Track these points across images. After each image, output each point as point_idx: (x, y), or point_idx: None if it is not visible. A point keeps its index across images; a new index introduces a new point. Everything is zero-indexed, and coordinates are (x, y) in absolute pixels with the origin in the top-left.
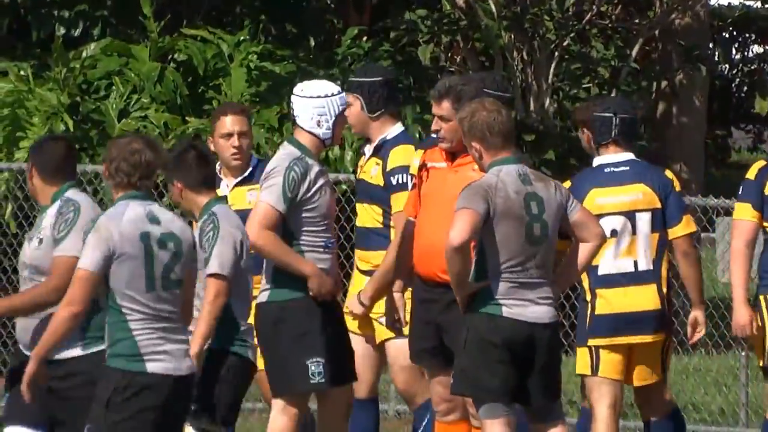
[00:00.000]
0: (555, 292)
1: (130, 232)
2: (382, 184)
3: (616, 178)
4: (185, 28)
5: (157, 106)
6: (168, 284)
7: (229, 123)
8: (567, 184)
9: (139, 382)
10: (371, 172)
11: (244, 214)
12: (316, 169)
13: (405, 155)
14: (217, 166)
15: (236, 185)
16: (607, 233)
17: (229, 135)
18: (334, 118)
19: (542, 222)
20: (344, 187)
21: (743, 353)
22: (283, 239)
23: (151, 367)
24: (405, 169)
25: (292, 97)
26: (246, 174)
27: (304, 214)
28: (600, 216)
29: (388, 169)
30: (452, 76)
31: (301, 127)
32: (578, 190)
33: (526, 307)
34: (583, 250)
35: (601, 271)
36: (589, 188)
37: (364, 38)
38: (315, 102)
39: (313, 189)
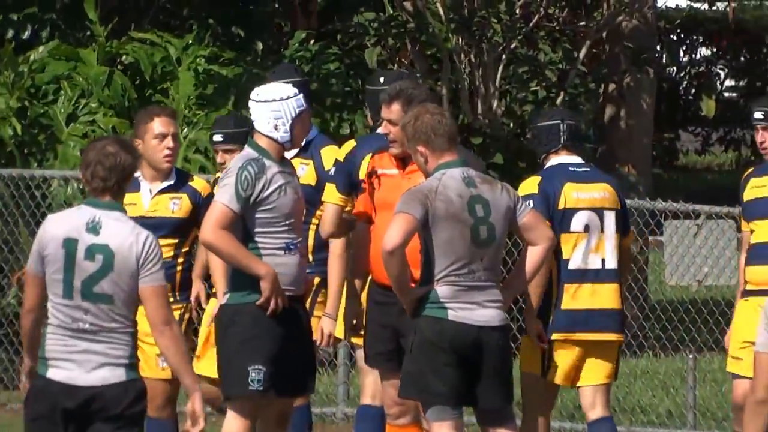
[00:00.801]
0: (506, 297)
1: (57, 235)
2: (313, 183)
3: (584, 175)
4: (133, 31)
5: (105, 110)
6: (90, 296)
7: (162, 124)
8: (536, 179)
9: (38, 386)
10: (299, 172)
11: (167, 221)
12: (274, 169)
13: (336, 153)
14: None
15: (160, 192)
16: (581, 228)
17: (163, 136)
18: (291, 121)
19: (489, 224)
20: None
21: (691, 356)
22: (242, 240)
23: (51, 373)
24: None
25: (249, 102)
26: (172, 182)
27: (261, 215)
28: (576, 210)
29: (326, 168)
30: (402, 80)
31: (260, 132)
32: (553, 185)
33: (473, 311)
34: (533, 253)
35: (571, 266)
36: (564, 181)
37: (312, 41)
38: (270, 106)
39: (270, 189)
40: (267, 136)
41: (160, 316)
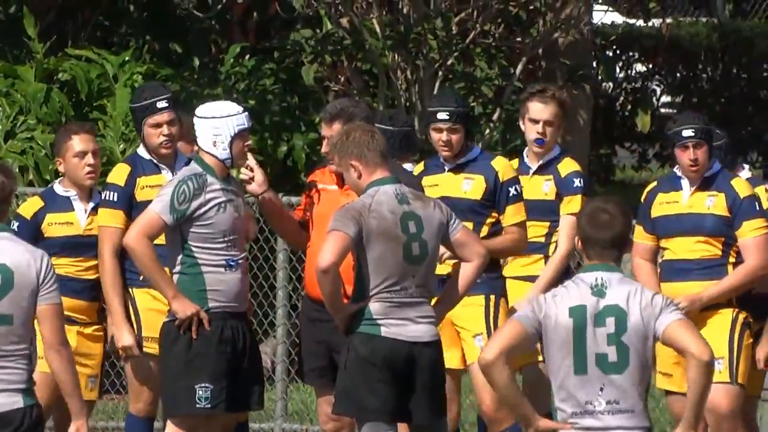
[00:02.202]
0: (439, 313)
1: None
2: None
3: None
4: (70, 48)
5: (44, 127)
6: None
7: (81, 141)
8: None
9: None
10: (464, 186)
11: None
12: (215, 186)
13: (506, 164)
14: (61, 189)
15: (93, 210)
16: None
17: (83, 153)
18: (229, 139)
19: (421, 241)
20: None
21: None
22: (183, 254)
23: None
24: None
25: (194, 119)
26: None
27: (198, 230)
28: None
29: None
30: (342, 98)
31: (201, 148)
32: None
33: (406, 326)
34: (465, 269)
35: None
36: None
37: (247, 57)
38: (210, 123)
39: (209, 206)
40: (208, 153)
41: (57, 336)
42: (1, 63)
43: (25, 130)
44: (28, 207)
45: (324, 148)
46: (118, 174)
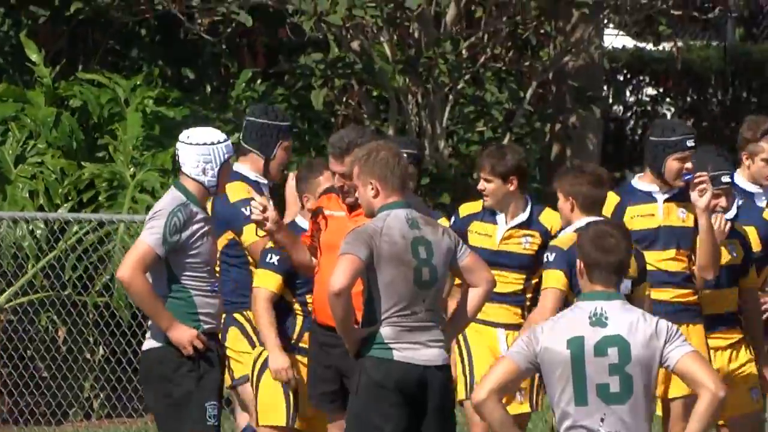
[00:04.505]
0: (447, 338)
1: None
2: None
3: None
4: (81, 72)
5: (54, 152)
6: None
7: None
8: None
9: None
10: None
11: None
12: (199, 216)
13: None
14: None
15: None
16: None
17: None
18: (219, 166)
19: (431, 266)
20: None
21: None
22: (170, 281)
23: None
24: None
25: (178, 144)
26: None
27: (188, 259)
28: None
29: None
30: (346, 129)
31: (187, 174)
32: None
33: (417, 350)
34: (473, 295)
35: None
36: None
37: (258, 81)
38: (200, 149)
39: (196, 236)
40: (194, 180)
41: None
42: (11, 87)
43: (35, 154)
44: None
45: (337, 183)
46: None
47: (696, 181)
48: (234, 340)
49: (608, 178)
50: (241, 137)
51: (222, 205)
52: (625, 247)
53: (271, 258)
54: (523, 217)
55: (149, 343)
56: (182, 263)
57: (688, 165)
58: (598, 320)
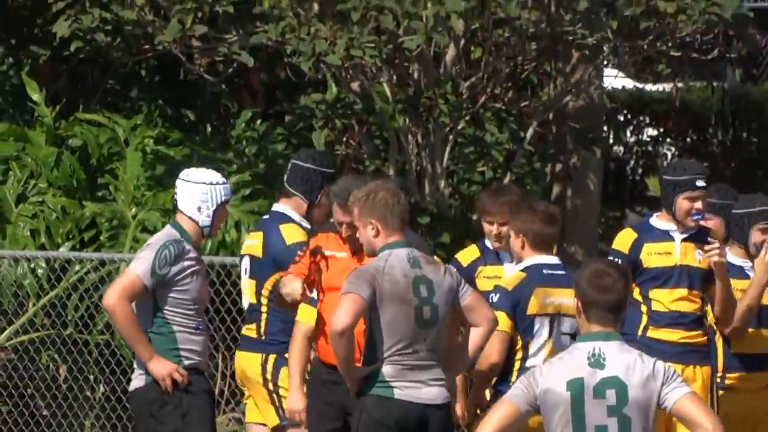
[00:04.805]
0: (448, 378)
1: None
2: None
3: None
4: (81, 113)
5: (54, 191)
6: None
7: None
8: None
9: None
10: None
11: None
12: (191, 254)
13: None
14: None
15: None
16: None
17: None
18: (215, 207)
19: (432, 305)
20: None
21: None
22: (153, 315)
23: None
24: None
25: (177, 181)
26: None
27: (173, 295)
28: None
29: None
30: (347, 179)
31: (182, 212)
32: None
33: (419, 389)
34: (475, 334)
35: None
36: None
37: (258, 121)
38: (199, 188)
39: (185, 273)
40: (189, 218)
41: None
42: (12, 127)
43: (36, 194)
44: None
45: (345, 233)
46: None
47: (707, 250)
48: (286, 380)
49: (560, 217)
50: (285, 178)
51: (278, 247)
52: (623, 285)
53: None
54: None
55: (135, 383)
56: (168, 298)
57: (698, 205)
58: (596, 361)
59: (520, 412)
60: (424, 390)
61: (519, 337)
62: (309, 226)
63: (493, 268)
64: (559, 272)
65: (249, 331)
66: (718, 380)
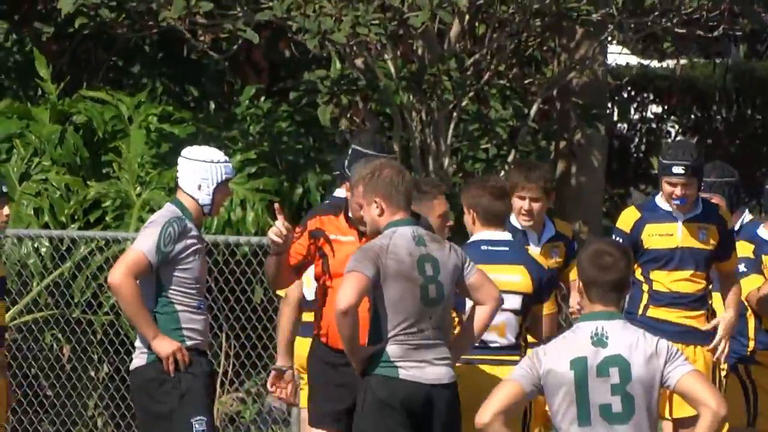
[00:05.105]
0: (454, 356)
1: None
2: None
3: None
4: (84, 90)
5: (58, 169)
6: None
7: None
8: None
9: None
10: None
11: None
12: (193, 233)
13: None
14: None
15: None
16: None
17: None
18: (215, 185)
19: (438, 283)
20: (246, 249)
21: None
22: (157, 294)
23: None
24: None
25: (179, 158)
26: None
27: (177, 273)
28: None
29: None
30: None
31: (183, 189)
32: None
33: (424, 369)
34: (480, 312)
35: None
36: None
37: (262, 98)
38: (199, 165)
39: (188, 251)
40: (190, 196)
41: None
42: (16, 104)
43: (39, 171)
44: None
45: (364, 213)
46: None
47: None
48: None
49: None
50: (345, 164)
51: None
52: (624, 264)
53: None
54: (551, 231)
55: (136, 361)
56: (171, 277)
57: (677, 191)
58: (599, 340)
59: (525, 392)
60: (429, 369)
61: (455, 313)
62: None
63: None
64: (501, 248)
65: (308, 316)
66: (748, 355)
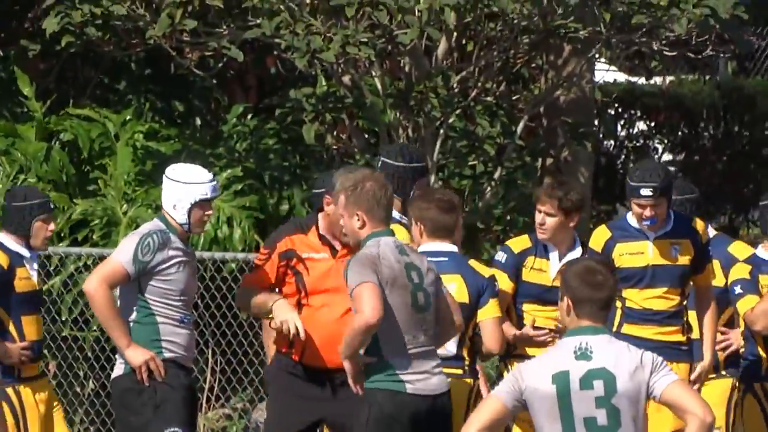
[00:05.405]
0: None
1: None
2: None
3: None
4: (71, 107)
5: (44, 186)
6: None
7: None
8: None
9: None
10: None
11: None
12: (177, 245)
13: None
14: None
15: None
16: None
17: None
18: (188, 206)
19: (424, 291)
20: (232, 266)
21: None
22: (138, 305)
23: None
24: None
25: (163, 177)
26: None
27: (158, 284)
28: None
29: None
30: (339, 171)
31: (163, 207)
32: None
33: (427, 380)
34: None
35: None
36: None
37: (249, 116)
38: (174, 186)
39: (170, 262)
40: (169, 213)
41: None
42: (2, 122)
43: None
44: None
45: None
46: None
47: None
48: None
49: (458, 204)
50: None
51: None
52: (613, 282)
53: None
54: (577, 252)
55: (115, 371)
56: (152, 287)
57: (647, 212)
58: (582, 354)
59: (507, 408)
60: (431, 381)
61: None
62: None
63: (540, 260)
64: (441, 259)
65: None
66: (763, 373)
